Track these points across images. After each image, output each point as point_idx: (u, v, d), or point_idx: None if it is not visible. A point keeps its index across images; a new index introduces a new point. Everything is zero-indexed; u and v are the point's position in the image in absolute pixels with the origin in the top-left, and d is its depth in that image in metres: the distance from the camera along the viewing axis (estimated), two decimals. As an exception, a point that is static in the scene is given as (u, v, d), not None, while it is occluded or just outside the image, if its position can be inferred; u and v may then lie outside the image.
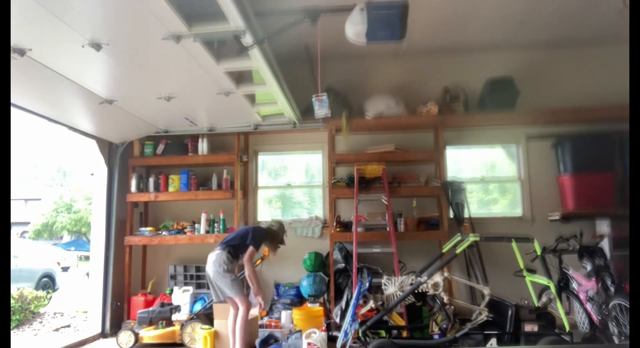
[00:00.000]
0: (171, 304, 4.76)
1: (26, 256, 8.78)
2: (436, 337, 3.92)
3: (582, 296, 4.04)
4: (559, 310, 3.65)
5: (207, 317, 4.49)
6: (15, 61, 2.92)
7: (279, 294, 5.27)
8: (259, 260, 4.68)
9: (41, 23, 2.60)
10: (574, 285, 4.14)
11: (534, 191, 5.34)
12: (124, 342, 4.46)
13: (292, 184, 5.86)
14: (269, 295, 5.33)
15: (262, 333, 4.33)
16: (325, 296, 5.06)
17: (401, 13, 3.28)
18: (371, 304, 3.69)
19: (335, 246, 5.12)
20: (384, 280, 3.89)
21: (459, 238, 3.99)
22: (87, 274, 7.21)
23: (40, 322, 6.37)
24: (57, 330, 5.87)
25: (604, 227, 4.78)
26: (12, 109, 3.71)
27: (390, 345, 3.42)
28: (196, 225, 5.37)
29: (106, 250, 5.20)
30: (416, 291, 3.66)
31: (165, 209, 5.76)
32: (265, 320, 4.81)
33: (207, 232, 5.31)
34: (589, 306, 3.96)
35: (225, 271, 3.81)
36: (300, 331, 4.06)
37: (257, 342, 4.14)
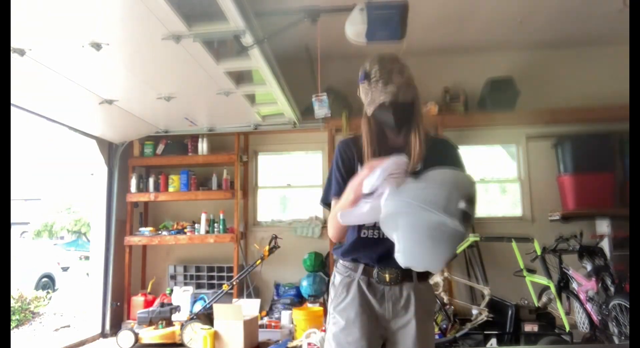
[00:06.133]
0: (171, 304, 4.76)
1: (26, 256, 8.77)
2: (436, 337, 3.92)
3: (582, 296, 4.03)
4: (559, 310, 3.65)
5: (207, 317, 4.49)
6: (15, 61, 2.92)
7: (279, 294, 5.27)
8: (259, 260, 4.68)
9: (41, 23, 2.60)
10: (574, 285, 4.13)
11: (534, 191, 5.33)
12: (123, 342, 4.46)
13: (292, 184, 5.86)
14: (269, 295, 5.34)
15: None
16: (325, 296, 5.06)
17: (401, 13, 3.29)
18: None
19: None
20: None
21: (459, 238, 3.98)
22: (87, 274, 7.21)
23: (40, 322, 6.37)
24: (57, 330, 5.86)
25: (604, 227, 4.78)
26: (12, 109, 3.71)
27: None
28: (196, 225, 5.36)
29: (106, 250, 5.20)
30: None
31: (165, 209, 5.76)
32: (266, 320, 4.82)
33: (207, 232, 5.31)
34: (589, 306, 3.96)
35: None
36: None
37: None
